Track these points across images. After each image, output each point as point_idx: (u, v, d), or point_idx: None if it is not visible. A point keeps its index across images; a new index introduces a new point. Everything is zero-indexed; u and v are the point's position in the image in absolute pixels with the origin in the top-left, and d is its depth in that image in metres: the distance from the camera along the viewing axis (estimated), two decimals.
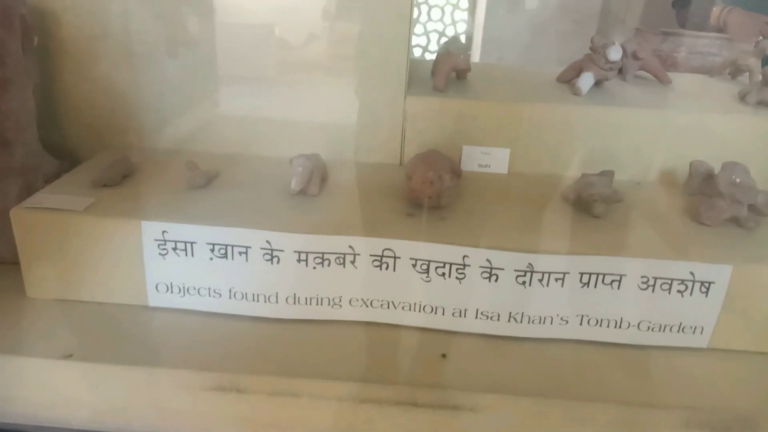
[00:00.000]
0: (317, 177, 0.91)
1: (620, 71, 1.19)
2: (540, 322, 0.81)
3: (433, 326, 0.82)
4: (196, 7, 1.03)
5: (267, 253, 0.79)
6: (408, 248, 0.79)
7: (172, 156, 1.04)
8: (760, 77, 1.15)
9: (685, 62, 1.51)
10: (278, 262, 0.79)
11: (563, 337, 0.81)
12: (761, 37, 1.31)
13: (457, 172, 0.96)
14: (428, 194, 0.83)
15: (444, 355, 0.78)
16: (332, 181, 0.97)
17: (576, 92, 1.09)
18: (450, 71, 1.08)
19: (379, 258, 0.79)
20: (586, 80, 1.09)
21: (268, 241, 0.79)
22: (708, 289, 0.78)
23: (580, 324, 0.81)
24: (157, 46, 1.03)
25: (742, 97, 1.12)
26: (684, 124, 1.03)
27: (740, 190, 0.85)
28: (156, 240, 0.80)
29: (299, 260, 0.79)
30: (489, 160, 1.06)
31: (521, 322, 0.81)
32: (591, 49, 1.11)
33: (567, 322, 0.81)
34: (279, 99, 1.08)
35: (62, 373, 0.73)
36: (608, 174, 0.91)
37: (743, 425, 0.71)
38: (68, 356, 0.73)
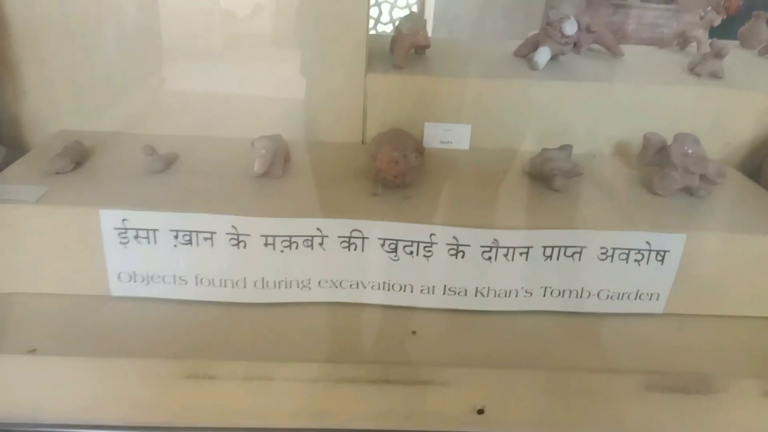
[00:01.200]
0: (280, 158, 0.90)
1: (575, 45, 1.21)
2: (505, 296, 0.83)
3: (403, 304, 0.83)
4: None
5: (233, 238, 0.78)
6: (376, 228, 0.79)
7: (126, 140, 1.00)
8: (708, 48, 1.19)
9: (635, 34, 1.54)
10: (245, 247, 0.78)
11: (528, 309, 0.84)
12: (709, 8, 1.34)
13: (420, 150, 0.96)
14: (394, 173, 0.84)
15: (414, 332, 0.80)
16: (295, 161, 0.96)
17: (533, 67, 1.11)
18: (410, 48, 1.07)
19: (347, 239, 0.79)
20: (543, 55, 1.10)
21: (233, 226, 0.78)
22: (663, 257, 0.81)
23: (544, 296, 0.83)
24: (102, 25, 0.98)
25: (692, 69, 1.15)
26: (637, 96, 1.06)
27: (692, 161, 0.88)
28: (116, 228, 0.78)
29: (266, 244, 0.79)
30: (451, 136, 1.07)
31: (487, 296, 0.83)
32: (547, 23, 1.12)
33: (531, 294, 0.83)
34: (236, 78, 1.05)
35: (27, 369, 0.71)
36: (567, 148, 0.93)
37: (699, 386, 0.76)
38: (32, 351, 0.71)
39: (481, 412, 0.74)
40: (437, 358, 0.76)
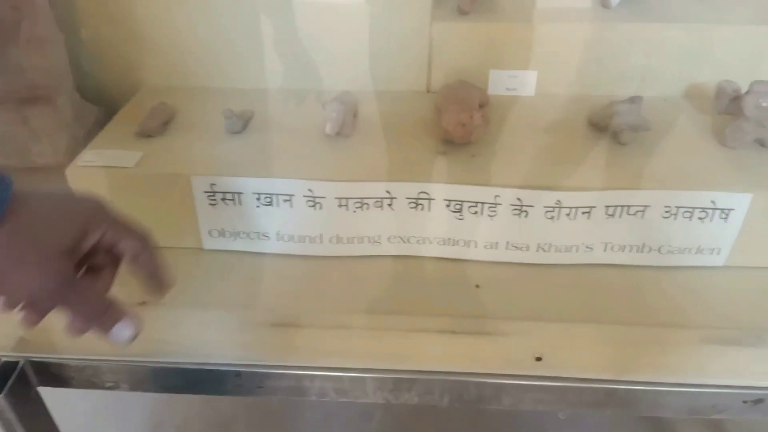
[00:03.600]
0: (350, 118, 0.94)
1: None
2: (566, 251, 0.87)
3: (467, 257, 0.89)
4: None
5: (310, 200, 0.84)
6: (442, 190, 0.83)
7: (208, 95, 1.06)
8: None
9: None
10: (321, 208, 0.85)
11: (588, 262, 0.88)
12: None
13: (485, 102, 0.98)
14: (461, 136, 0.86)
15: (478, 286, 0.86)
16: (363, 115, 1.00)
17: (605, 5, 1.07)
18: None
19: (414, 201, 0.84)
20: None
21: (310, 189, 0.84)
22: (727, 215, 0.82)
23: (604, 250, 0.87)
24: None
25: None
26: (716, 37, 1.01)
27: (766, 114, 0.86)
28: (205, 192, 0.86)
29: (340, 205, 0.85)
30: (516, 83, 1.07)
31: (549, 251, 0.87)
32: None
33: (592, 249, 0.87)
34: (302, 30, 1.07)
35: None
36: (636, 100, 0.92)
37: (752, 339, 0.79)
38: (142, 303, 0.82)
39: (539, 359, 0.81)
40: (499, 310, 0.82)
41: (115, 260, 0.55)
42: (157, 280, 0.56)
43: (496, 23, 1.04)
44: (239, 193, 0.85)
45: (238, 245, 0.90)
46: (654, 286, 0.86)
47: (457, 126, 0.85)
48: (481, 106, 1.00)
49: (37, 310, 0.49)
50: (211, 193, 0.86)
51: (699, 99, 1.03)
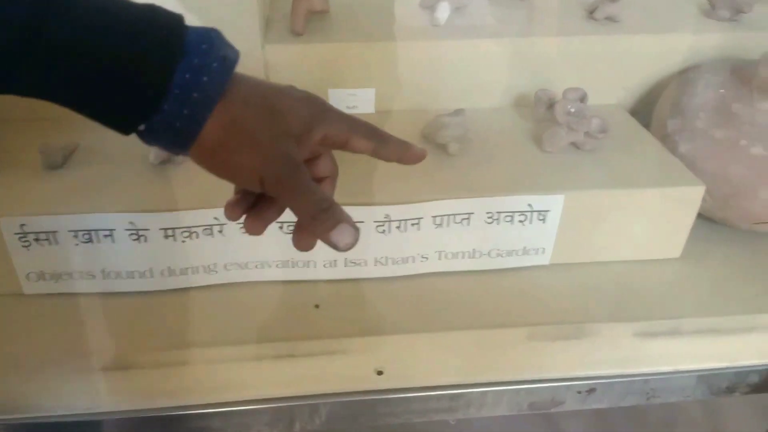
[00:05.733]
0: None
1: None
2: (403, 262, 0.88)
3: (307, 278, 0.88)
4: None
5: (133, 234, 0.81)
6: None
7: (20, 127, 0.99)
8: None
9: None
10: (146, 241, 0.81)
11: (424, 272, 0.90)
12: None
13: None
14: None
15: (317, 306, 0.85)
16: None
17: (434, 22, 1.11)
18: (307, 13, 1.06)
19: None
20: (442, 11, 1.11)
21: (131, 222, 0.80)
22: (545, 217, 0.87)
23: (439, 259, 0.89)
24: None
25: (591, 12, 1.17)
26: (537, 48, 1.08)
27: (575, 119, 0.93)
28: (16, 234, 0.80)
29: (167, 236, 0.82)
30: (356, 101, 1.08)
31: (386, 264, 0.88)
32: None
33: (427, 258, 0.89)
34: None
35: None
36: (460, 113, 0.96)
37: (576, 332, 0.84)
38: None
39: (380, 373, 0.82)
40: (339, 329, 0.82)
41: (333, 172, 0.52)
42: (409, 160, 0.52)
43: (331, 43, 1.05)
44: (54, 232, 0.80)
45: (61, 287, 0.84)
46: (489, 290, 0.90)
47: None
48: None
49: (260, 211, 0.48)
50: (22, 234, 0.80)
51: (524, 108, 1.10)
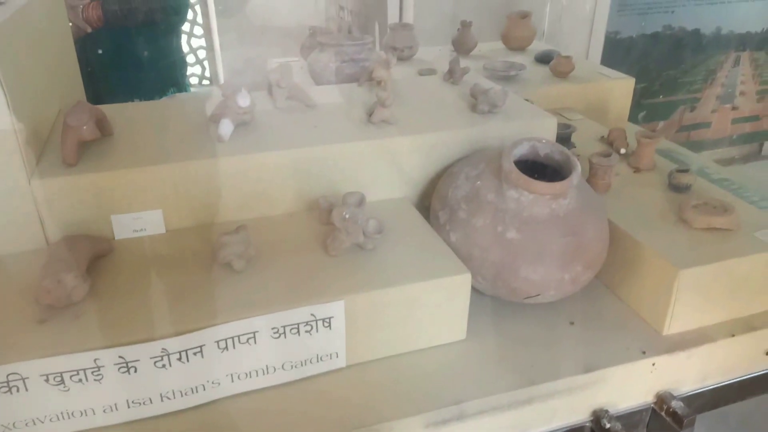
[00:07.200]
0: None
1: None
2: (193, 392, 0.86)
3: (86, 427, 0.83)
4: None
5: None
6: (37, 367, 0.77)
7: None
8: (384, 93, 1.30)
9: (340, 71, 1.65)
10: None
11: (221, 397, 0.88)
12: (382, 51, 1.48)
13: (105, 251, 0.95)
14: (49, 302, 0.82)
15: None
16: None
17: (219, 140, 1.14)
18: (78, 143, 1.03)
19: (5, 384, 0.76)
20: (225, 127, 1.14)
21: None
22: (330, 323, 0.90)
23: (232, 381, 0.88)
24: None
25: (369, 115, 1.27)
26: (321, 154, 1.14)
27: (350, 224, 0.98)
28: None
29: None
30: (142, 224, 1.07)
31: (174, 397, 0.85)
32: (223, 95, 1.16)
33: (219, 383, 0.87)
34: None
35: None
36: (242, 229, 0.98)
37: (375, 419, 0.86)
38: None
39: None
40: None
41: None
42: None
43: (108, 171, 1.03)
44: None
45: None
46: (289, 402, 0.90)
47: (43, 293, 0.81)
48: (101, 256, 0.97)
49: None
50: None
51: (316, 211, 1.14)
